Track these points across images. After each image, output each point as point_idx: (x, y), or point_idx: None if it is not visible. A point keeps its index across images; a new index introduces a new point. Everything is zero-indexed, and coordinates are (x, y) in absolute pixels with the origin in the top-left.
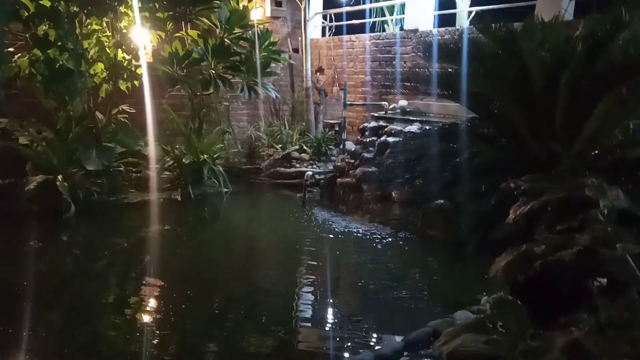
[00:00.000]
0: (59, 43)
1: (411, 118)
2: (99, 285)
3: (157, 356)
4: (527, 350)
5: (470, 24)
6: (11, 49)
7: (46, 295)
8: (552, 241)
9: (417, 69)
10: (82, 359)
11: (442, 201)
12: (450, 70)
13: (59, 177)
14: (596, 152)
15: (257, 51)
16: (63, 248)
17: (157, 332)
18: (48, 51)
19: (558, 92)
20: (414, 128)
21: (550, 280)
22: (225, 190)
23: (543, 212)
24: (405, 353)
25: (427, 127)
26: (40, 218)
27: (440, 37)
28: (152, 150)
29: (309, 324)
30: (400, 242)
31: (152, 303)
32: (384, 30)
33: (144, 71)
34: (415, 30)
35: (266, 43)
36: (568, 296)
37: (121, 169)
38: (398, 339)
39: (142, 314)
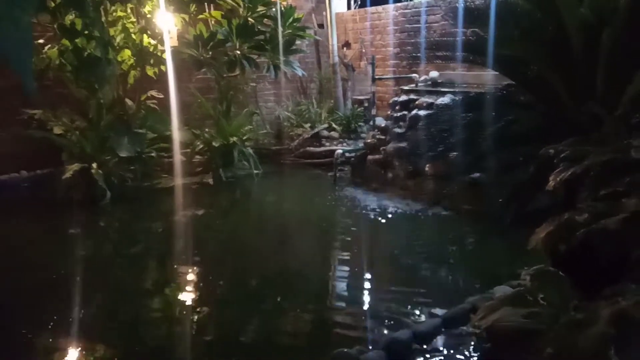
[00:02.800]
0: (86, 32)
1: (443, 89)
2: (137, 268)
3: (196, 335)
4: (570, 322)
5: None
6: (41, 41)
7: (89, 278)
8: (596, 209)
9: (447, 38)
10: (125, 338)
11: (477, 174)
12: (482, 35)
13: (94, 165)
14: None
15: (280, 29)
16: (101, 234)
17: (196, 312)
18: (76, 40)
19: (599, 52)
20: (446, 100)
21: (593, 249)
22: (256, 171)
23: (585, 177)
24: (443, 330)
25: (460, 98)
26: (78, 205)
27: (470, 2)
28: (176, 134)
29: (346, 302)
30: (435, 218)
31: (189, 284)
32: None
33: (168, 55)
34: None
35: (290, 20)
36: (612, 266)
37: (153, 154)
38: (436, 315)
39: (181, 295)
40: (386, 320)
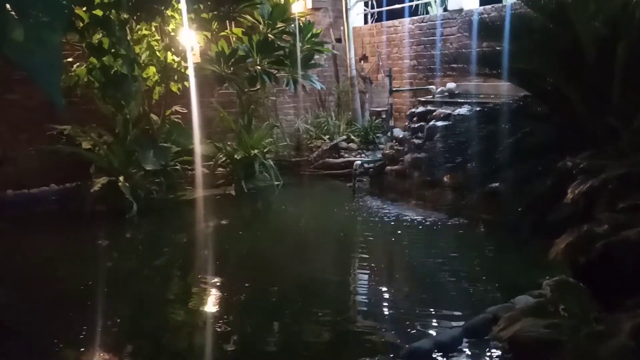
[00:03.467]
0: (113, 50)
1: (460, 100)
2: (163, 279)
3: (220, 344)
4: (591, 334)
5: None
6: (70, 59)
7: (115, 289)
8: (616, 220)
9: (463, 50)
10: (149, 347)
11: (496, 184)
12: (497, 48)
13: (121, 178)
14: None
15: (299, 44)
16: (128, 245)
17: (219, 321)
18: (103, 58)
19: (614, 64)
20: (463, 110)
21: (613, 261)
22: (277, 183)
23: (603, 190)
24: (464, 340)
25: (477, 109)
26: (106, 217)
27: (486, 15)
28: (197, 148)
29: (366, 311)
30: (455, 228)
31: (213, 294)
32: (427, 12)
33: (190, 72)
34: (460, 10)
35: (309, 35)
36: (633, 277)
37: (177, 167)
38: (457, 325)
39: (204, 305)
40: (407, 330)
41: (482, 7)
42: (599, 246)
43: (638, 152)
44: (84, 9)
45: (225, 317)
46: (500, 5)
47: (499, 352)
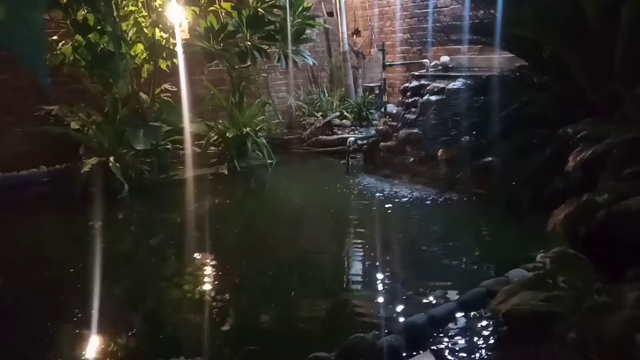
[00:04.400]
0: (98, 27)
1: (454, 74)
2: (158, 259)
3: (217, 321)
4: (595, 305)
5: None
6: (55, 37)
7: (110, 270)
8: (617, 189)
9: (456, 22)
10: (146, 326)
11: (490, 158)
12: (494, 15)
13: (111, 159)
14: None
15: (290, 18)
16: (121, 226)
17: (217, 299)
18: (89, 36)
19: (617, 29)
20: (457, 84)
21: (614, 230)
22: (270, 161)
23: (607, 157)
24: (458, 314)
25: (472, 82)
26: (97, 199)
27: None
28: (187, 126)
29: (361, 287)
30: (449, 203)
31: (208, 273)
32: None
33: (179, 49)
34: None
35: (300, 9)
36: (635, 248)
37: (169, 146)
38: (451, 299)
39: (200, 284)
40: (402, 305)
41: None
42: (600, 216)
43: None
44: None
45: (221, 295)
46: None
47: (493, 326)
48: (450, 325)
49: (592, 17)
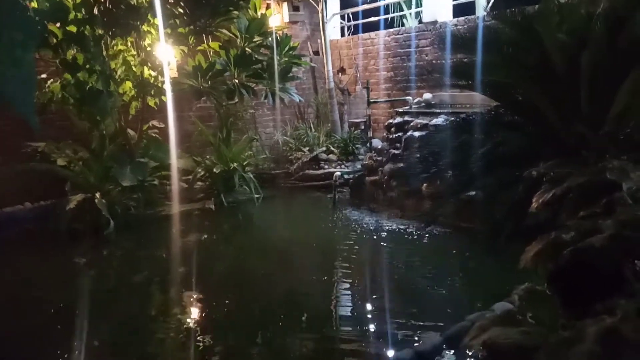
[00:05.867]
0: (87, 66)
1: (437, 110)
2: (142, 297)
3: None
4: (559, 341)
5: (488, 11)
6: (44, 76)
7: (96, 308)
8: (582, 227)
9: (437, 61)
10: None
11: (472, 193)
12: (467, 60)
13: (97, 195)
14: (628, 131)
15: (277, 57)
16: (106, 263)
17: (202, 337)
18: (78, 74)
19: (581, 74)
20: (439, 120)
21: (581, 267)
22: (257, 196)
23: (565, 199)
24: (444, 348)
25: (453, 119)
26: (82, 235)
27: (458, 27)
28: (174, 162)
29: (347, 323)
30: (433, 236)
31: (195, 311)
32: (402, 25)
33: (167, 86)
34: (435, 22)
35: (286, 48)
36: (604, 283)
37: (155, 182)
38: (437, 334)
39: (186, 321)
40: (388, 340)
41: (455, 19)
42: (566, 253)
43: (603, 159)
44: (58, 25)
45: (208, 333)
46: (472, 17)
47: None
48: (437, 359)
49: (557, 62)
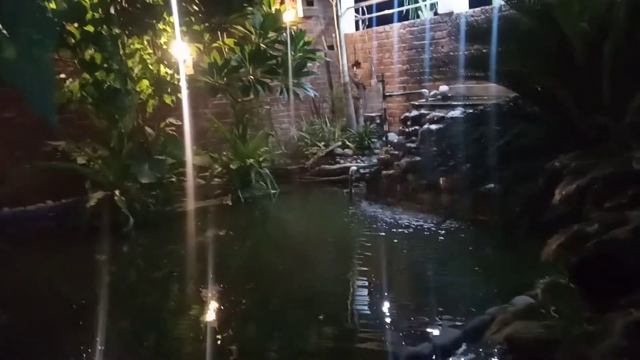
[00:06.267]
0: (105, 65)
1: (453, 103)
2: (162, 292)
3: (224, 354)
4: (583, 335)
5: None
6: (63, 76)
7: (116, 304)
8: (606, 219)
9: (453, 53)
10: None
11: (490, 186)
12: (484, 51)
13: (117, 192)
14: None
15: (291, 52)
16: (126, 259)
17: (222, 333)
18: (96, 74)
19: (602, 63)
20: (456, 113)
21: (605, 260)
22: (273, 191)
23: (589, 190)
24: (464, 342)
25: (470, 111)
26: (102, 232)
27: (474, 18)
28: (190, 159)
29: (367, 316)
30: (451, 230)
31: (214, 307)
32: (418, 17)
33: (183, 84)
34: (450, 14)
35: (301, 43)
36: (626, 276)
37: (173, 179)
38: (456, 328)
39: (206, 317)
40: (408, 334)
41: (471, 10)
42: (590, 246)
43: (627, 150)
44: (76, 25)
45: (228, 329)
46: (489, 7)
47: (498, 354)
48: (456, 353)
49: (578, 51)
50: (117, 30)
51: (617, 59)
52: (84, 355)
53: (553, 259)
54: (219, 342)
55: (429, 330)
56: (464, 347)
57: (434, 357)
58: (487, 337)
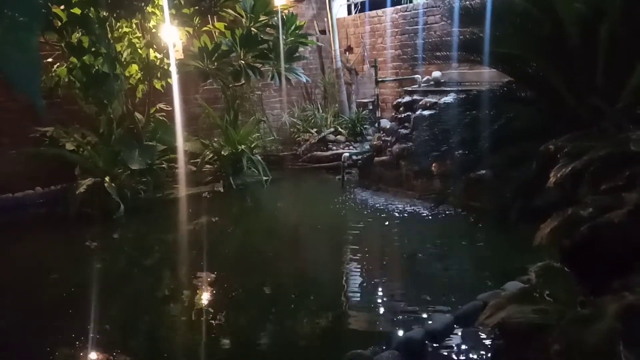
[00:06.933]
0: (93, 49)
1: (446, 89)
2: (153, 278)
3: (216, 339)
4: (576, 318)
5: None
6: (50, 60)
7: (107, 290)
8: (600, 202)
9: (447, 38)
10: (144, 346)
11: (482, 171)
12: (478, 33)
13: (106, 179)
14: None
15: (283, 37)
16: (116, 246)
17: (213, 317)
18: (83, 58)
19: (597, 46)
20: (449, 99)
21: (599, 243)
22: (265, 178)
23: (585, 172)
24: (455, 327)
25: (463, 96)
26: (93, 219)
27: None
28: (181, 145)
29: (359, 302)
30: (443, 216)
31: (205, 292)
32: (410, 1)
33: (173, 68)
34: None
35: (292, 27)
36: (620, 259)
37: (164, 165)
38: (448, 313)
39: (197, 302)
40: (400, 320)
41: None
42: (584, 229)
43: (621, 131)
44: (62, 7)
45: (219, 313)
46: None
47: (490, 339)
48: (448, 339)
49: (573, 34)
50: (104, 13)
51: (612, 42)
52: (75, 342)
53: (546, 243)
54: (211, 327)
55: (420, 315)
56: (455, 332)
57: (426, 342)
58: (480, 321)
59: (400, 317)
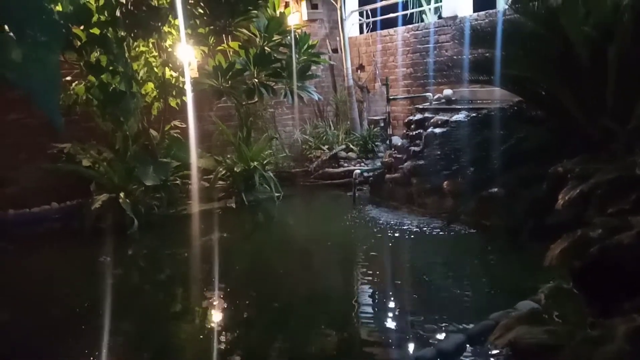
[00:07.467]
0: (111, 67)
1: (457, 107)
2: (166, 294)
3: (227, 356)
4: (586, 339)
5: (509, 5)
6: (68, 78)
7: (120, 306)
8: (610, 224)
9: (457, 57)
10: None
11: (494, 189)
12: (488, 54)
13: (121, 195)
14: None
15: (296, 55)
16: (130, 261)
17: (225, 335)
18: (101, 76)
19: (607, 66)
20: (460, 117)
21: (609, 265)
22: (277, 194)
23: (592, 195)
24: (467, 346)
25: (474, 115)
26: (107, 234)
27: (478, 22)
28: (195, 161)
29: (371, 321)
30: (455, 234)
31: (217, 309)
32: (422, 20)
33: (188, 87)
34: (454, 17)
35: (305, 46)
36: (629, 281)
37: (178, 182)
38: (460, 333)
39: (209, 320)
40: (411, 339)
41: (475, 14)
42: (594, 250)
43: (632, 154)
44: (82, 27)
45: (231, 331)
46: (493, 11)
47: (502, 358)
48: (460, 358)
49: (582, 55)
50: (122, 33)
51: (621, 63)
52: (88, 357)
53: (556, 264)
54: (221, 344)
55: (431, 334)
56: (467, 351)
57: None
58: (491, 341)
59: (411, 335)
